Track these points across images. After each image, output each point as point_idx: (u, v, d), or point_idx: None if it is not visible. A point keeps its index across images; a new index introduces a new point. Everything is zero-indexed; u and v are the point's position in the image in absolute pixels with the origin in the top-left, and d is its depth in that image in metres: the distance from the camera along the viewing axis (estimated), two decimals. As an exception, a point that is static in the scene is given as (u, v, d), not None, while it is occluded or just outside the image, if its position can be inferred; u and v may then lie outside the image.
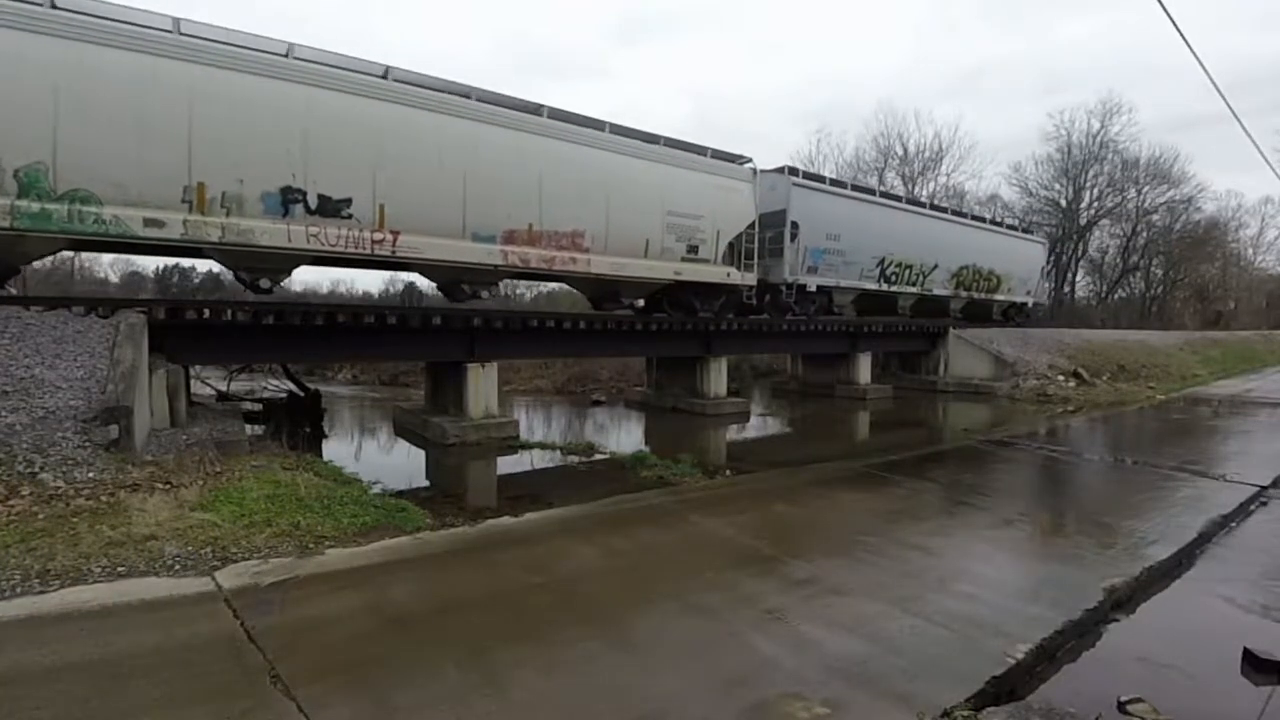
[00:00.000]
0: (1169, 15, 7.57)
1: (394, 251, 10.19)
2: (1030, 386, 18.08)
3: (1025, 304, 24.85)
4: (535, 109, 11.65)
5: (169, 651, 3.36)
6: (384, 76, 10.21)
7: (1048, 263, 27.45)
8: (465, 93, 10.94)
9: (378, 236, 10.01)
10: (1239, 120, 12.67)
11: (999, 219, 27.31)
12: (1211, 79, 10.09)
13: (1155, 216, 38.82)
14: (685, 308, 14.54)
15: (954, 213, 23.03)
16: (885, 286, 18.88)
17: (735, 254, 14.83)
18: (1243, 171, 65.00)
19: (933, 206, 21.35)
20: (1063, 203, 37.84)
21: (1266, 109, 53.30)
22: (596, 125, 12.40)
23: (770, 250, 15.87)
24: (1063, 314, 36.47)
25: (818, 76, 78.13)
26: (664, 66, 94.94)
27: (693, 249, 13.69)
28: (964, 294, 21.86)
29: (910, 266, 19.55)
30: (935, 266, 20.39)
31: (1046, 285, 27.08)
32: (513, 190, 11.25)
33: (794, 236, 16.00)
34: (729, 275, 14.57)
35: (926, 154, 37.30)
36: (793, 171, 16.38)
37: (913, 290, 19.88)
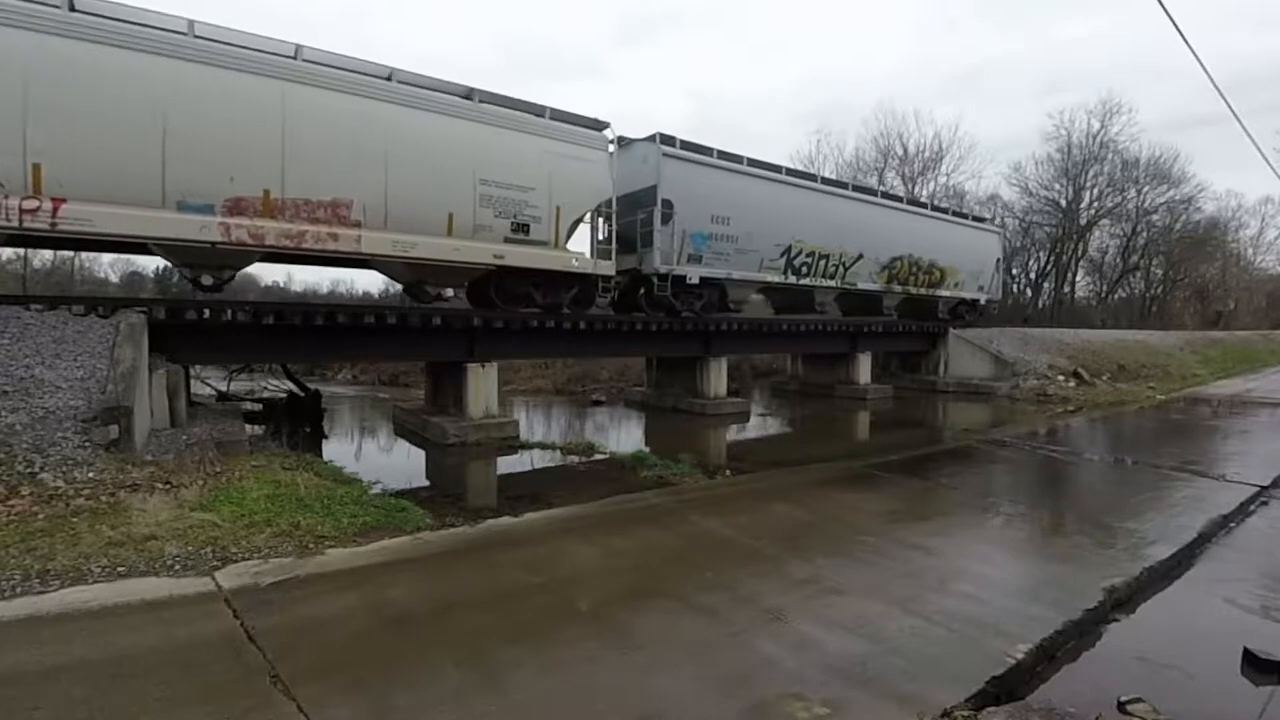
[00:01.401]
0: (1169, 15, 7.58)
1: (54, 224, 7.91)
2: (1030, 386, 18.08)
3: (977, 300, 22.05)
4: (288, 51, 9.32)
5: (169, 651, 3.36)
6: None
7: (1004, 255, 24.57)
8: (173, 28, 8.60)
9: (29, 205, 7.81)
10: (1239, 120, 12.68)
11: (947, 206, 24.38)
12: (1211, 79, 10.10)
13: (1155, 216, 38.79)
14: (519, 299, 12.11)
15: (886, 196, 20.07)
16: (794, 279, 16.12)
17: (593, 237, 12.79)
18: (1243, 171, 65.09)
19: (856, 188, 18.28)
20: (1063, 203, 37.80)
21: (1266, 109, 53.34)
22: (376, 73, 10.06)
23: (642, 235, 13.44)
24: (1063, 314, 36.47)
25: (818, 76, 78.24)
26: (664, 66, 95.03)
27: (521, 228, 11.21)
28: (898, 288, 18.98)
29: (827, 257, 16.78)
30: (859, 257, 17.61)
31: (1001, 279, 23.91)
32: (241, 148, 8.86)
33: (667, 218, 13.30)
34: (575, 262, 12.07)
35: (926, 154, 37.23)
36: (667, 140, 13.46)
37: (830, 284, 17.19)
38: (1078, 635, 4.05)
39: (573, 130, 11.97)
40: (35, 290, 21.39)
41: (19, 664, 3.18)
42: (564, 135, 11.81)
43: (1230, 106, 11.39)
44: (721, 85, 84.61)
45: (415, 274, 11.16)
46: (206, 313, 9.27)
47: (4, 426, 5.75)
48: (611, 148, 12.63)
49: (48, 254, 25.42)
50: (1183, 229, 39.61)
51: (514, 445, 11.19)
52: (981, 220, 24.17)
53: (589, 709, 3.03)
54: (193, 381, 12.03)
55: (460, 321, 11.45)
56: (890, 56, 77.51)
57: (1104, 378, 19.36)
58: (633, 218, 13.39)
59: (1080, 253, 39.37)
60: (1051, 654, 3.81)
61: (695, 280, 13.98)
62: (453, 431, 10.97)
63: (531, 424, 14.21)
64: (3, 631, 3.47)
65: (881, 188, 20.77)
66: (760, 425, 15.08)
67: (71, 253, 24.41)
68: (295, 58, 9.32)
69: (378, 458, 11.11)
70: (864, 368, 18.85)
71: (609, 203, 12.54)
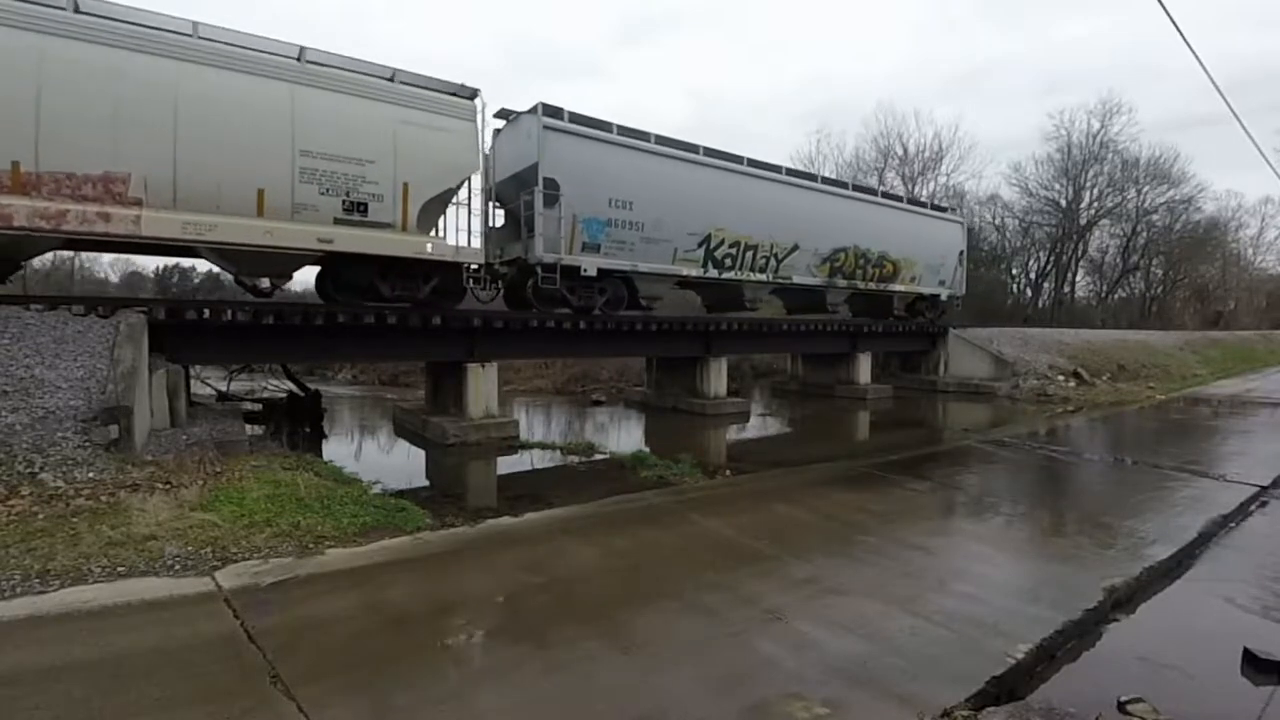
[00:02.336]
0: (1169, 15, 7.59)
1: None
2: (1030, 386, 18.09)
3: (937, 296, 20.47)
4: (57, 1, 8.00)
5: (169, 651, 3.36)
6: None
7: (968, 246, 22.47)
8: None
9: None
10: (1239, 120, 12.68)
11: (902, 195, 22.25)
12: (1211, 79, 10.11)
13: (1155, 216, 38.78)
14: (361, 292, 10.55)
15: (827, 181, 17.95)
16: (716, 273, 14.49)
17: (469, 220, 11.22)
18: (1243, 171, 65.09)
19: (790, 172, 16.22)
20: (1063, 203, 37.79)
21: (1266, 109, 53.43)
22: (173, 28, 8.63)
23: (525, 219, 12.01)
24: (1063, 314, 36.47)
25: (818, 77, 78.27)
26: (664, 67, 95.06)
27: (356, 207, 9.67)
28: (843, 283, 17.43)
29: (755, 248, 15.09)
30: (795, 248, 15.89)
31: (964, 273, 21.77)
32: None
33: (553, 200, 11.70)
34: (429, 248, 10.49)
35: (926, 154, 37.21)
36: (552, 111, 11.86)
37: (760, 279, 15.46)
38: (1078, 635, 4.05)
39: (430, 97, 10.38)
40: (35, 290, 21.37)
41: (19, 664, 3.18)
42: (418, 102, 10.23)
43: (1230, 106, 11.40)
44: (721, 85, 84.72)
45: (226, 261, 9.71)
46: (206, 313, 9.27)
47: (4, 426, 5.75)
48: (494, 120, 11.26)
49: (49, 254, 25.38)
50: (1183, 229, 39.62)
51: (514, 445, 11.19)
52: (942, 209, 21.99)
53: (589, 709, 3.03)
54: (193, 381, 12.03)
55: (460, 321, 11.45)
56: (890, 56, 77.66)
57: (1104, 378, 19.36)
58: (518, 200, 12.10)
59: (1080, 253, 39.38)
60: (1051, 654, 3.80)
61: (591, 272, 12.46)
62: (453, 431, 10.97)
63: (531, 424, 14.21)
64: (3, 631, 3.47)
65: (823, 174, 17.78)
66: (760, 425, 15.07)
67: (71, 253, 24.39)
68: (66, 9, 7.96)
69: (378, 458, 11.11)
70: (864, 368, 18.85)
71: (478, 180, 11.07)
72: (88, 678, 3.08)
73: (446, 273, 10.99)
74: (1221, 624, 4.36)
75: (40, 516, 4.94)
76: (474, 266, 11.23)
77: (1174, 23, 7.95)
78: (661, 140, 13.52)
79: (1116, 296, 42.02)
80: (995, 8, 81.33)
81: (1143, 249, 39.68)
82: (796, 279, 16.26)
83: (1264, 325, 44.60)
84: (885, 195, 19.82)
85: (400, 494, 7.22)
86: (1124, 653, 3.96)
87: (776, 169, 15.93)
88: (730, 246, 14.67)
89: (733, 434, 13.45)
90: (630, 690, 3.20)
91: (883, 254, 18.30)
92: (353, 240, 9.75)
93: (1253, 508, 7.09)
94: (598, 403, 17.48)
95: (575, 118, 12.24)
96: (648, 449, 10.66)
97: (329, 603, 4.05)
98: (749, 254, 15.11)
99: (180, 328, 9.02)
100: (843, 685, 3.26)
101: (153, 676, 3.12)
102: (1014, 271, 40.32)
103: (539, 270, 11.81)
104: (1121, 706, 3.25)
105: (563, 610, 4.06)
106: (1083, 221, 37.89)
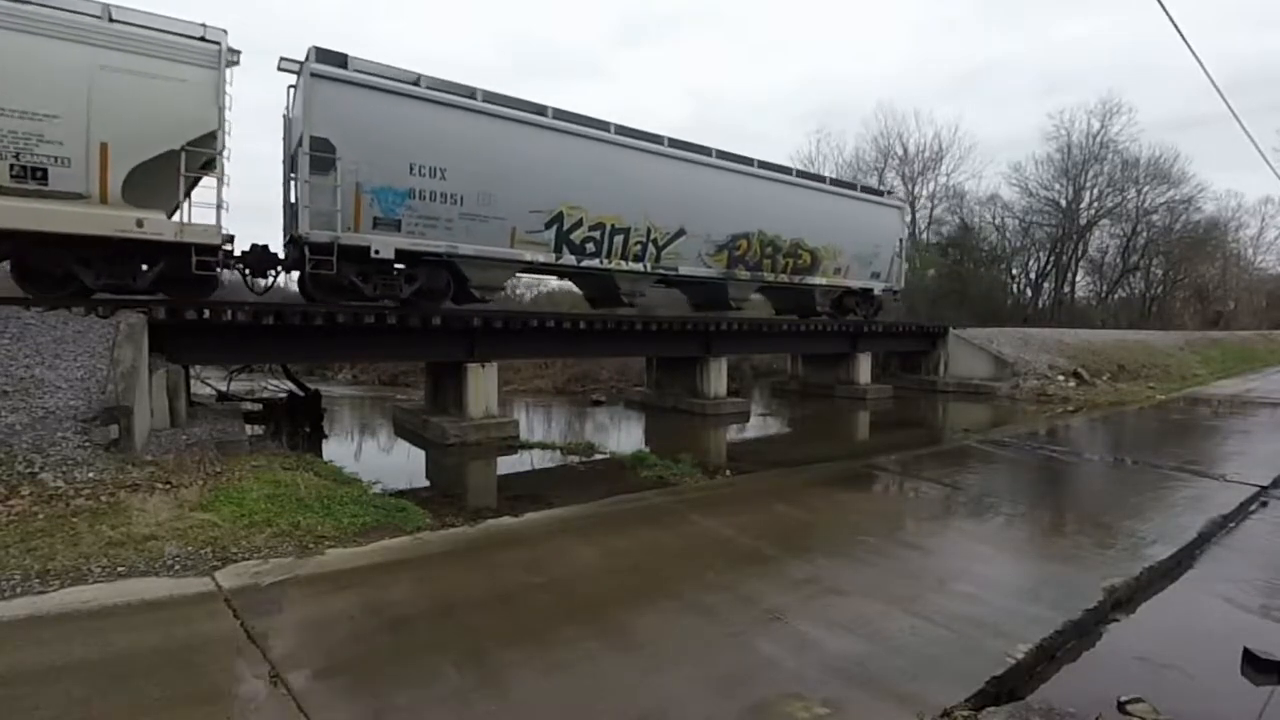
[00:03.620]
0: (1169, 15, 7.58)
1: None
2: (1030, 386, 18.09)
3: (870, 291, 18.22)
4: None
5: (169, 651, 3.36)
6: None
7: (908, 234, 19.87)
8: None
9: None
10: (1239, 120, 12.68)
11: (825, 175, 19.52)
12: (1211, 79, 10.11)
13: (1155, 216, 38.77)
14: (56, 282, 8.70)
15: (723, 156, 14.45)
16: (574, 259, 12.31)
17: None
18: (1243, 171, 65.12)
19: (674, 143, 13.51)
20: (1063, 203, 37.79)
21: (1266, 109, 53.44)
22: None
23: (292, 188, 10.31)
24: (1063, 314, 36.46)
25: (818, 77, 78.20)
26: (664, 67, 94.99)
27: (31, 173, 7.88)
28: (745, 275, 15.09)
29: (625, 231, 12.70)
30: (681, 233, 13.45)
31: (904, 265, 19.51)
32: None
33: (326, 165, 9.65)
34: (140, 225, 8.50)
35: (926, 154, 37.25)
36: (328, 57, 9.73)
37: (635, 268, 13.12)
38: (1078, 635, 4.05)
39: (146, 37, 8.39)
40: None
41: (19, 664, 3.18)
42: (129, 43, 8.27)
43: (1230, 106, 11.40)
44: (721, 85, 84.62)
45: None
46: (206, 313, 9.26)
47: (4, 426, 5.75)
48: (219, 62, 8.78)
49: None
50: (1183, 229, 39.60)
51: (514, 445, 11.19)
52: (877, 192, 19.28)
53: (589, 709, 3.03)
54: (193, 381, 12.02)
55: (460, 322, 11.46)
56: (890, 56, 77.55)
57: (1104, 378, 19.36)
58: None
59: (1080, 253, 39.37)
60: (1051, 654, 3.81)
61: (387, 254, 10.31)
62: (453, 432, 10.97)
63: (531, 424, 14.21)
64: (3, 631, 3.47)
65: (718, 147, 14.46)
66: (760, 425, 15.08)
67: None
68: None
69: (378, 458, 11.11)
70: (864, 368, 18.85)
71: (212, 138, 8.85)
72: (88, 678, 3.08)
73: (173, 257, 8.98)
74: (1221, 624, 4.36)
75: (40, 516, 4.94)
76: (210, 247, 9.02)
77: (1174, 23, 7.95)
78: (492, 98, 11.13)
79: (1116, 296, 42.01)
80: (995, 8, 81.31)
81: (1143, 249, 39.67)
82: (685, 270, 13.87)
83: (1264, 325, 44.56)
84: (803, 175, 16.94)
85: (400, 494, 7.23)
86: (1124, 653, 3.96)
87: (656, 139, 13.29)
88: (592, 229, 12.40)
89: (733, 434, 13.46)
90: (631, 690, 3.20)
91: (797, 242, 15.80)
92: (23, 216, 7.93)
93: (1253, 508, 7.09)
94: (598, 403, 17.48)
95: (365, 66, 10.03)
96: (648, 449, 10.66)
97: (329, 603, 4.05)
98: (618, 239, 12.75)
99: (180, 328, 9.02)
100: (843, 685, 3.26)
101: (153, 676, 3.12)
102: (1014, 271, 40.31)
103: (307, 252, 9.74)
104: (1121, 706, 3.25)
105: (563, 610, 4.06)
106: (1083, 221, 37.88)
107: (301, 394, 13.91)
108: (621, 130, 12.82)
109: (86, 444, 5.97)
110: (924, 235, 36.82)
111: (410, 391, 18.40)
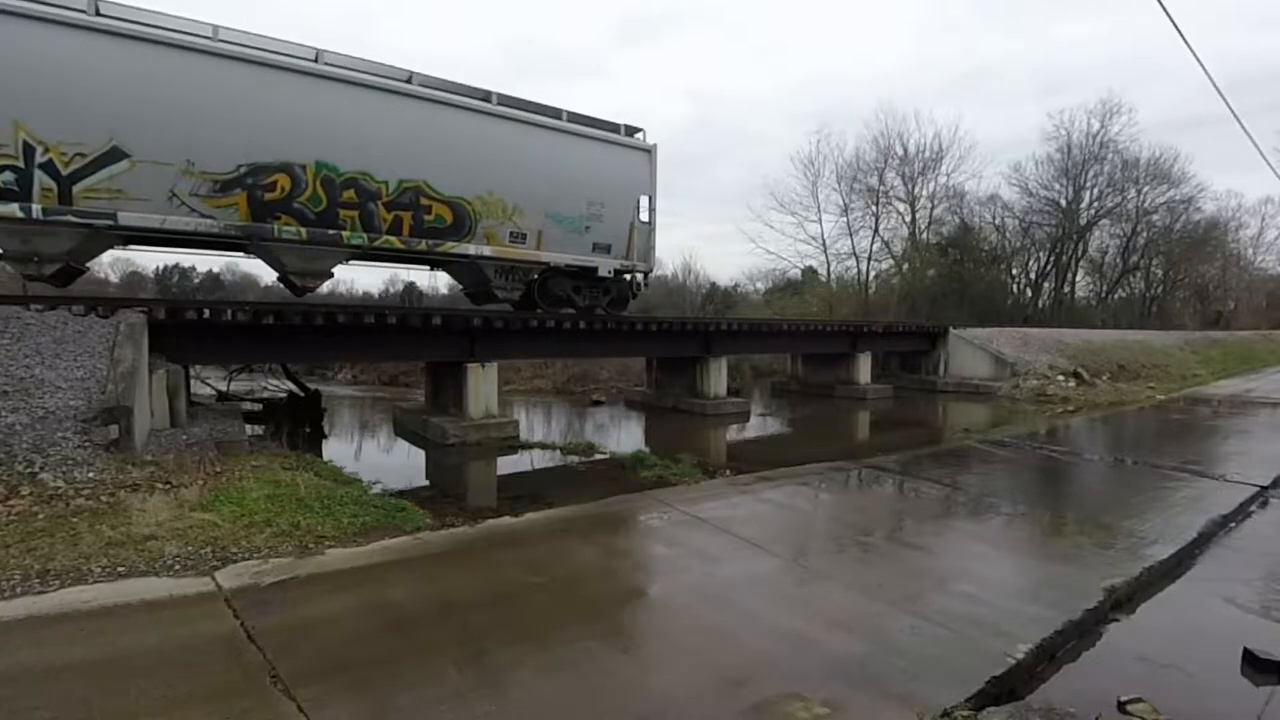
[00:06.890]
0: (1169, 15, 7.59)
1: None
2: (1030, 386, 18.09)
3: (595, 271, 12.72)
4: None
5: (169, 651, 3.36)
6: None
7: (654, 193, 13.49)
8: None
9: None
10: (1239, 120, 12.69)
11: (489, 91, 11.26)
12: (1211, 79, 10.11)
13: (1155, 216, 38.74)
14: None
15: (231, 38, 9.25)
16: None
17: None
18: (1243, 171, 65.14)
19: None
20: (1063, 203, 37.76)
21: (1266, 109, 53.42)
22: None
23: None
24: (1063, 314, 36.44)
25: (818, 76, 78.25)
26: (664, 67, 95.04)
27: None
28: (289, 233, 9.64)
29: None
30: (114, 155, 8.38)
31: (653, 238, 13.58)
32: None
33: None
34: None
35: (926, 154, 37.08)
36: None
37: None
38: (1078, 635, 4.05)
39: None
40: (35, 290, 21.35)
41: (19, 664, 3.17)
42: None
43: (1230, 106, 11.40)
44: (721, 85, 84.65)
45: None
46: (206, 313, 9.27)
47: (4, 426, 5.75)
48: None
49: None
50: (1183, 229, 39.58)
51: (514, 445, 11.20)
52: (601, 123, 12.72)
53: (589, 709, 3.03)
54: (193, 381, 12.02)
55: (460, 322, 11.46)
56: (890, 57, 77.59)
57: (1104, 378, 19.36)
58: None
59: (1080, 253, 39.35)
60: (1052, 654, 3.80)
61: None
62: (453, 431, 10.97)
63: (531, 424, 14.21)
64: (3, 631, 3.47)
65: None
66: (760, 425, 15.07)
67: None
68: None
69: (378, 458, 11.11)
70: (864, 368, 18.87)
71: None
72: (88, 678, 3.08)
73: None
74: (1221, 624, 4.36)
75: (40, 516, 4.94)
76: None
77: (1174, 23, 7.96)
78: None
79: (1116, 296, 42.00)
80: (995, 8, 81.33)
81: (1143, 249, 39.66)
82: (131, 216, 8.55)
83: (1264, 325, 44.52)
84: (435, 85, 10.85)
85: (400, 494, 7.23)
86: (1124, 653, 3.96)
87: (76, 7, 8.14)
88: None
89: (733, 434, 13.46)
90: (631, 690, 3.20)
91: (417, 186, 10.53)
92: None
93: (1253, 508, 7.09)
94: (598, 403, 17.49)
95: None
96: (648, 449, 10.66)
97: (329, 603, 4.05)
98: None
99: (180, 328, 9.02)
100: (842, 685, 3.26)
101: (153, 676, 3.12)
102: (1014, 271, 40.30)
103: None
104: (1121, 706, 3.25)
105: (563, 610, 4.06)
106: (1083, 221, 37.87)
107: (301, 394, 13.92)
108: None
109: (86, 444, 5.97)
110: (924, 235, 36.81)
111: (410, 391, 18.40)
